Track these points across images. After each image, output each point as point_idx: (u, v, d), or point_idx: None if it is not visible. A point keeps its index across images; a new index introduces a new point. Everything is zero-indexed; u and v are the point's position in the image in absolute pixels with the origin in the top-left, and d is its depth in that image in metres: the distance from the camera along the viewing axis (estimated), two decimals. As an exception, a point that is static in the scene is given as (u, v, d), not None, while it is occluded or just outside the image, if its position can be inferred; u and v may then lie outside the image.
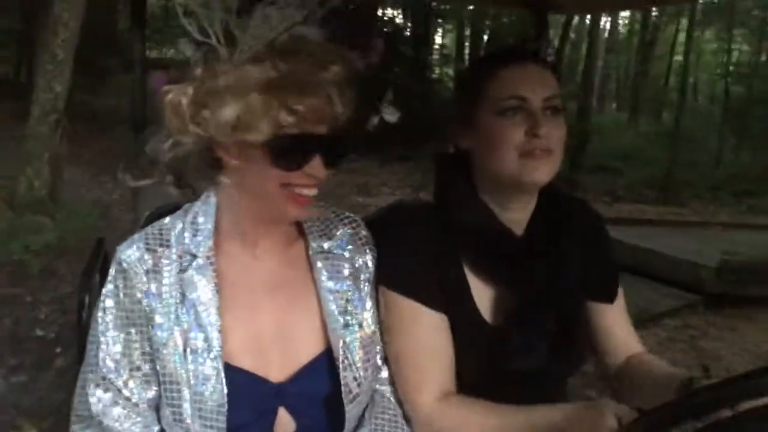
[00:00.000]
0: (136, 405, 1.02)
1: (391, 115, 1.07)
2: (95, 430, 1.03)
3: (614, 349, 1.26)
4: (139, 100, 1.49)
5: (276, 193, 0.98)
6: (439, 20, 16.56)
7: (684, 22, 19.80)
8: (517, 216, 1.19)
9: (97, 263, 1.36)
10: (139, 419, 1.03)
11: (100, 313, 1.04)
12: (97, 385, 1.02)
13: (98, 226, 5.51)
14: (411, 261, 1.13)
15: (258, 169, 0.97)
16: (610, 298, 1.26)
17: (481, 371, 1.12)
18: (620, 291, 1.29)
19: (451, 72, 15.62)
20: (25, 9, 11.08)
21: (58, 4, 5.57)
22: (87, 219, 5.59)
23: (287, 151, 0.95)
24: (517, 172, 1.11)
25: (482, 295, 1.17)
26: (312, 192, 1.00)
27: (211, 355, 0.99)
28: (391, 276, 1.13)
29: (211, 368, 0.99)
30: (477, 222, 1.16)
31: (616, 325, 1.27)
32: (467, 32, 17.64)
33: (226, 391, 0.98)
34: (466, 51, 17.34)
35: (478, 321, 1.16)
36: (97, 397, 1.02)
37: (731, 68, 20.24)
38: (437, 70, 16.01)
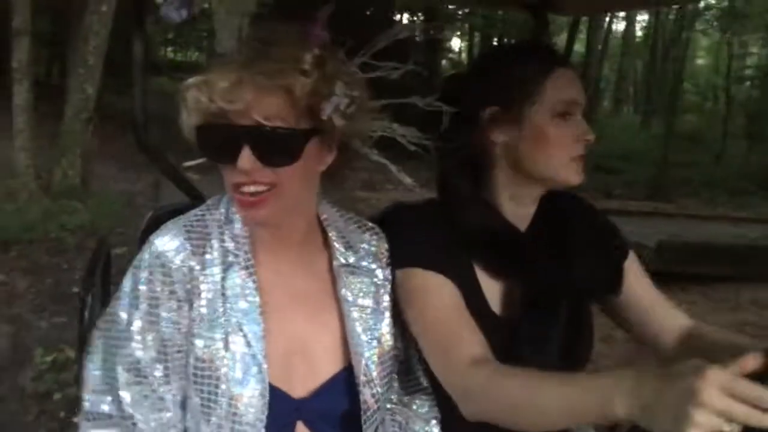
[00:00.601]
0: (163, 399, 0.98)
1: (340, 98, 0.94)
2: (116, 429, 0.97)
3: (659, 325, 1.22)
4: (140, 101, 1.47)
5: (232, 196, 0.97)
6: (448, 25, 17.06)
7: (696, 25, 20.16)
8: (523, 211, 1.19)
9: (99, 262, 1.35)
10: (165, 414, 0.98)
11: (124, 309, 0.98)
12: (126, 382, 0.97)
13: (124, 213, 6.26)
14: (424, 241, 1.13)
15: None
16: (614, 292, 1.24)
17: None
18: (643, 274, 1.26)
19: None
20: (56, 12, 11.85)
21: (88, 16, 6.34)
22: (114, 206, 6.33)
23: (210, 142, 0.94)
24: (563, 175, 1.12)
25: (491, 288, 1.16)
26: (251, 189, 0.93)
27: (255, 371, 0.96)
28: (407, 255, 1.12)
29: (251, 376, 0.96)
30: (482, 219, 1.16)
31: (653, 303, 1.24)
32: (477, 37, 18.23)
33: (267, 406, 0.95)
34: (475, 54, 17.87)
35: (488, 313, 1.14)
36: (126, 393, 0.96)
37: (748, 71, 20.60)
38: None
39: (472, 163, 1.18)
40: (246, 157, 0.91)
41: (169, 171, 1.43)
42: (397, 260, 1.12)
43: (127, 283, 0.99)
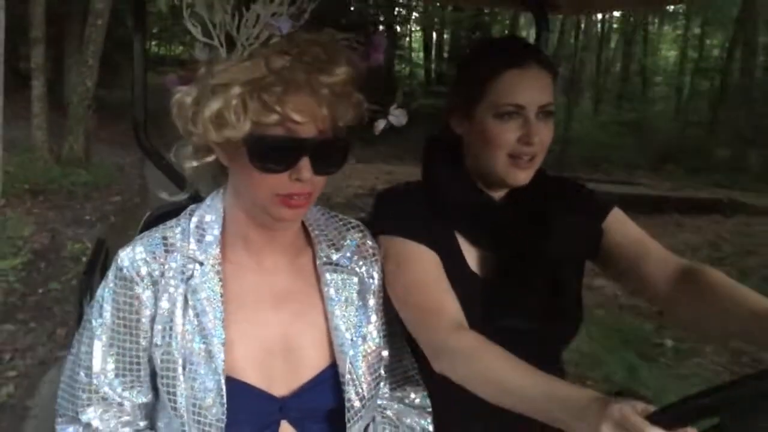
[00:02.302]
0: (122, 405, 1.01)
1: (398, 118, 1.05)
2: (80, 430, 1.01)
3: (653, 266, 1.19)
4: (140, 96, 1.46)
5: (268, 199, 0.95)
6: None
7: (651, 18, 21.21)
8: (497, 192, 1.24)
9: (97, 263, 1.36)
10: (125, 418, 1.01)
11: (95, 317, 1.01)
12: (89, 391, 1.00)
13: (117, 176, 8.29)
14: (406, 212, 1.18)
15: (249, 173, 0.93)
16: (591, 254, 1.26)
17: (474, 328, 1.06)
18: (632, 223, 1.27)
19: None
20: (54, 20, 13.72)
21: (88, 27, 8.32)
22: (108, 171, 8.36)
23: (268, 153, 0.91)
24: (503, 173, 1.16)
25: (472, 254, 1.22)
26: (304, 196, 0.96)
27: (213, 368, 0.96)
28: (390, 223, 1.16)
29: (212, 381, 0.96)
30: (460, 192, 1.21)
31: (645, 246, 1.23)
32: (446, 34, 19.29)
33: (226, 405, 0.95)
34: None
35: (469, 275, 1.20)
36: (87, 400, 1.00)
37: (705, 64, 21.63)
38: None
39: (450, 148, 1.24)
40: (306, 168, 0.92)
41: (167, 170, 1.42)
42: (383, 229, 1.16)
43: (98, 293, 1.02)
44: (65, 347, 3.53)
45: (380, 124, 1.05)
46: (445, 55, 20.60)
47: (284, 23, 0.93)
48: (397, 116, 1.05)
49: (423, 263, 1.13)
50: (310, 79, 0.89)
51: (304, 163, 0.92)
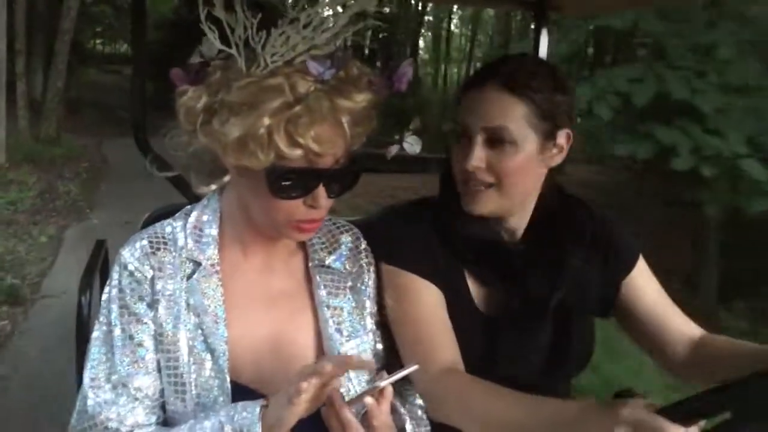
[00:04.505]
0: (140, 401, 1.00)
1: (412, 146, 1.02)
2: None
3: (671, 336, 1.20)
4: (138, 99, 1.46)
5: (282, 223, 0.97)
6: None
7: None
8: (516, 222, 1.18)
9: (97, 263, 1.36)
10: (135, 407, 1.00)
11: (103, 317, 1.02)
12: (106, 389, 0.99)
13: (81, 153, 11.24)
14: (410, 240, 1.15)
15: (260, 193, 0.93)
16: (604, 313, 1.24)
17: (474, 367, 1.06)
18: (653, 279, 1.24)
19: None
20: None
21: (58, 41, 11.24)
22: (75, 148, 11.34)
23: (287, 183, 0.92)
24: (462, 199, 1.13)
25: (479, 291, 1.18)
26: (317, 221, 0.98)
27: (216, 368, 0.97)
28: (391, 252, 1.14)
29: (216, 381, 0.98)
30: (473, 227, 1.16)
31: (663, 312, 1.22)
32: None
33: (230, 401, 0.96)
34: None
35: (472, 309, 1.17)
36: (102, 399, 0.99)
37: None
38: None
39: None
40: (322, 196, 0.94)
41: (164, 170, 1.42)
42: (384, 257, 1.14)
43: (104, 296, 1.03)
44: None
45: (392, 150, 1.02)
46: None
47: (328, 71, 0.89)
48: (411, 144, 1.02)
49: (422, 300, 1.11)
50: (333, 106, 0.88)
51: (321, 191, 0.94)
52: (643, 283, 1.24)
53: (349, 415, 0.89)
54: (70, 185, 8.55)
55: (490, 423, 0.97)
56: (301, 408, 0.86)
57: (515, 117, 1.08)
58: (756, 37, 4.26)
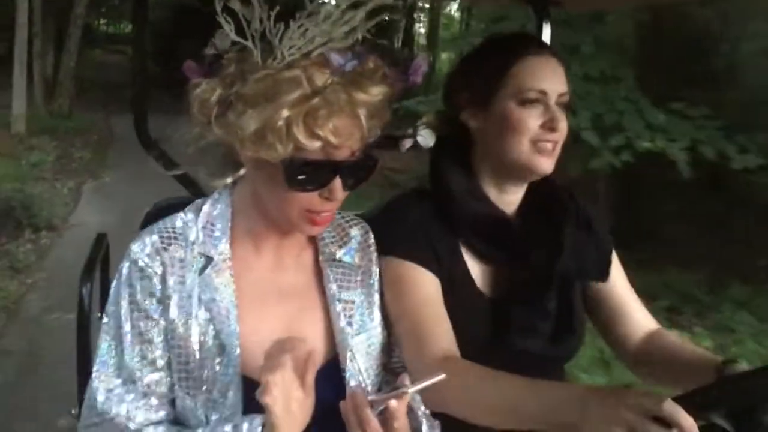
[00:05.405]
0: (149, 397, 1.00)
1: (426, 139, 1.03)
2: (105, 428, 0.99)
3: (631, 328, 1.26)
4: (140, 92, 1.46)
5: (296, 214, 0.98)
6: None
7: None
8: (511, 198, 1.22)
9: (98, 258, 1.37)
10: (145, 403, 0.99)
11: (112, 312, 1.02)
12: (115, 384, 1.00)
13: (91, 125, 12.59)
14: (407, 229, 1.17)
15: (276, 185, 0.95)
16: (602, 277, 1.27)
17: (480, 349, 1.08)
18: (622, 271, 1.30)
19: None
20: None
21: (72, 26, 12.57)
22: (86, 122, 12.68)
23: (304, 175, 0.93)
24: (527, 161, 1.15)
25: (480, 271, 1.20)
26: (331, 212, 0.99)
27: (227, 363, 0.98)
28: (388, 242, 1.15)
29: (227, 376, 0.98)
30: (471, 205, 1.18)
31: (627, 304, 1.28)
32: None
33: (241, 400, 0.97)
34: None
35: (477, 295, 1.19)
36: (111, 394, 0.99)
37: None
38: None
39: (459, 150, 1.22)
40: (338, 188, 0.95)
41: (170, 166, 1.43)
42: (381, 247, 1.15)
43: (113, 287, 1.03)
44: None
45: (407, 143, 1.04)
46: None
47: (350, 63, 0.90)
48: (425, 137, 1.04)
49: (419, 289, 1.12)
50: (350, 99, 0.89)
51: (337, 183, 0.95)
52: (615, 275, 1.29)
53: (370, 414, 0.88)
54: (83, 152, 9.94)
55: (490, 407, 0.97)
56: (294, 406, 0.87)
57: (567, 84, 1.17)
58: (611, 37, 5.64)
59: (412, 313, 1.10)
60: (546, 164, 1.16)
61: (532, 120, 1.14)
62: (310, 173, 0.93)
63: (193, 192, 1.38)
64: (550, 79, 1.15)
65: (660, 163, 5.17)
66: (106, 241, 1.44)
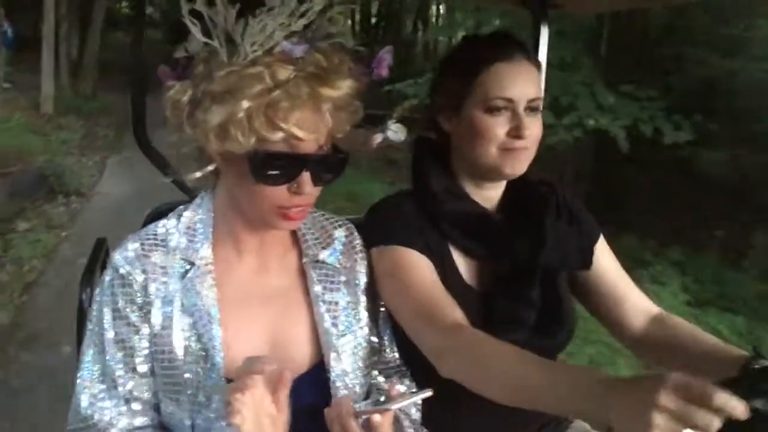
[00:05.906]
0: (132, 403, 1.00)
1: (396, 134, 1.03)
2: None
3: (629, 312, 1.26)
4: (137, 94, 1.45)
5: (267, 210, 0.97)
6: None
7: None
8: (491, 194, 1.25)
9: (97, 262, 1.39)
10: (127, 409, 1.00)
11: (95, 320, 1.02)
12: (99, 389, 1.00)
13: (112, 106, 13.44)
14: (400, 220, 1.19)
15: (245, 180, 0.95)
16: (585, 266, 1.27)
17: None
18: (612, 257, 1.31)
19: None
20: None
21: (94, 15, 13.41)
22: (108, 103, 13.52)
23: (271, 168, 0.93)
24: (496, 165, 1.16)
25: (466, 265, 1.22)
26: (303, 207, 0.98)
27: (211, 367, 0.97)
28: (384, 235, 1.16)
29: (211, 380, 0.98)
30: (452, 203, 1.21)
31: (621, 288, 1.28)
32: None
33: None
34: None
35: (464, 288, 1.19)
36: (95, 399, 1.00)
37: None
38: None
39: (439, 150, 1.25)
40: (307, 182, 0.95)
41: (165, 168, 1.44)
42: (377, 240, 1.16)
43: (97, 293, 1.04)
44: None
45: (377, 138, 1.03)
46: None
47: (298, 47, 0.91)
48: (395, 131, 1.03)
49: (417, 268, 1.13)
50: (313, 93, 0.90)
51: (305, 177, 0.94)
52: (604, 260, 1.30)
53: (355, 425, 0.88)
54: (107, 131, 10.82)
55: (502, 378, 0.93)
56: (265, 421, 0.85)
57: (540, 87, 1.20)
58: (573, 28, 6.33)
59: (417, 292, 1.10)
60: (516, 168, 1.18)
61: (498, 128, 1.15)
62: (276, 166, 0.93)
63: (192, 197, 1.45)
64: (519, 86, 1.15)
65: (610, 139, 5.87)
66: (106, 245, 1.46)
